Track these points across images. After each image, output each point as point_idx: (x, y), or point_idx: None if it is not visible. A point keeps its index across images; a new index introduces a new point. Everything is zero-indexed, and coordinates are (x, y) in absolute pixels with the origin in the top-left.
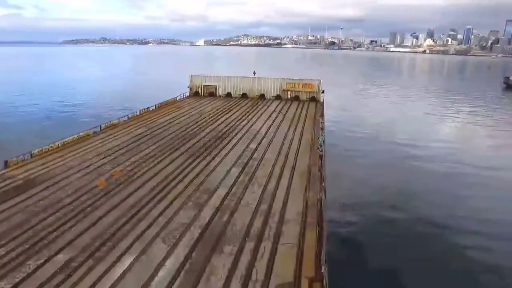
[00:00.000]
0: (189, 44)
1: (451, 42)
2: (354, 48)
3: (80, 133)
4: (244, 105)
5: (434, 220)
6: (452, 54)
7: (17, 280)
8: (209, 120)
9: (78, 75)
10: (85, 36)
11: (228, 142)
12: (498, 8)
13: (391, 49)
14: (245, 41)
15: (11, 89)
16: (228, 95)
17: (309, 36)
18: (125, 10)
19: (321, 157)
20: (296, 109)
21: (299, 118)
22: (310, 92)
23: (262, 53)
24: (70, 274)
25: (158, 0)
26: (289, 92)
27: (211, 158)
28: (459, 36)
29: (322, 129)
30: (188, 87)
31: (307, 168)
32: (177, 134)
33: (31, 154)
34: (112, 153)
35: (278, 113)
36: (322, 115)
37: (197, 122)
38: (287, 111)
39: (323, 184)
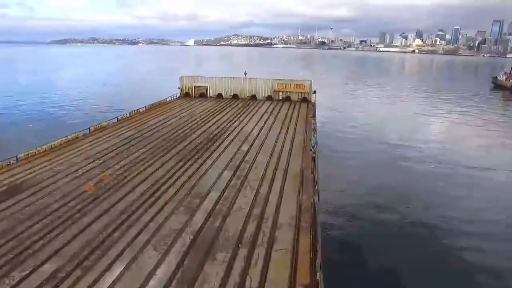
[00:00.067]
0: (179, 44)
1: (439, 42)
2: (344, 48)
3: (68, 136)
4: (235, 106)
5: (426, 221)
6: (441, 54)
7: None
8: (200, 122)
9: (66, 76)
10: (74, 36)
11: (219, 144)
12: (485, 9)
13: (381, 49)
14: (235, 41)
15: None
16: (219, 96)
17: (299, 36)
18: (114, 10)
19: (313, 159)
20: (288, 110)
21: (290, 119)
22: (301, 92)
23: (253, 53)
24: (57, 285)
25: None
26: (280, 93)
27: (203, 161)
28: (447, 36)
29: (314, 130)
30: (179, 88)
31: (299, 171)
32: (167, 136)
33: (17, 158)
34: (102, 157)
35: (270, 114)
36: (313, 116)
37: (188, 124)
38: (278, 112)
39: (316, 187)
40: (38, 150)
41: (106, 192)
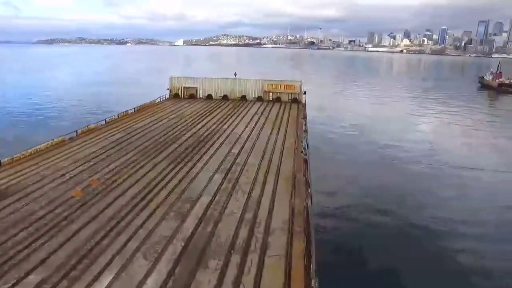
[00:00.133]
0: (168, 44)
1: (427, 42)
2: (333, 48)
3: (55, 139)
4: (225, 107)
5: (419, 223)
6: (428, 53)
7: None
8: (190, 124)
9: (53, 76)
10: (61, 35)
11: (210, 147)
12: (471, 9)
13: (370, 49)
14: (224, 41)
15: None
16: (209, 97)
17: (288, 36)
18: (102, 10)
19: (305, 161)
20: (278, 111)
21: (281, 121)
22: (291, 93)
23: (242, 53)
24: None
25: None
26: (270, 94)
27: (193, 164)
28: (435, 36)
29: (305, 131)
30: (168, 89)
31: (291, 173)
32: (157, 139)
33: (0, 163)
34: (90, 160)
35: (260, 115)
36: (304, 117)
37: (177, 126)
38: (269, 113)
39: (308, 190)
40: (23, 154)
41: (94, 197)
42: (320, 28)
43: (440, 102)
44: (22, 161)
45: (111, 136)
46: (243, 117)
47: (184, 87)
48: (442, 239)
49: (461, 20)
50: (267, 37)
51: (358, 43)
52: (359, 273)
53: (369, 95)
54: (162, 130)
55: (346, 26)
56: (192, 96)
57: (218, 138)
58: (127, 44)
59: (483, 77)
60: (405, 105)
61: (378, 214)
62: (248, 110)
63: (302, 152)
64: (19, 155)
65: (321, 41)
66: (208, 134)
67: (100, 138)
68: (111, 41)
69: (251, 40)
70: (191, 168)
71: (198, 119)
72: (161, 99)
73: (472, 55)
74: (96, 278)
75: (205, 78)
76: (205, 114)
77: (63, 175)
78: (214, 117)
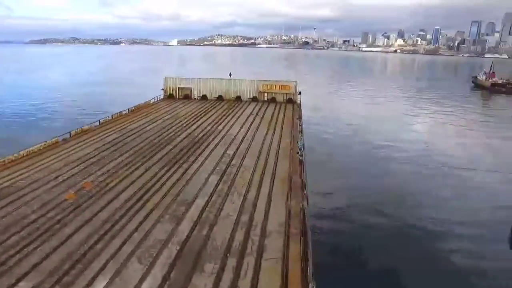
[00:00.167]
0: (162, 44)
1: (420, 42)
2: (328, 48)
3: (48, 141)
4: (220, 108)
5: (416, 223)
6: (422, 53)
7: None
8: (184, 124)
9: (45, 77)
10: (54, 35)
11: (205, 148)
12: (464, 10)
13: (364, 49)
14: (219, 41)
15: None
16: (204, 97)
17: (283, 36)
18: (96, 10)
19: (301, 162)
20: (274, 112)
21: (276, 121)
22: (286, 93)
23: (237, 53)
24: None
25: None
26: (265, 94)
27: (188, 165)
28: (428, 36)
29: (301, 132)
30: (162, 89)
31: (287, 175)
32: (152, 140)
33: None
34: (83, 162)
35: (255, 116)
36: (300, 118)
37: (172, 127)
38: (264, 114)
39: (304, 192)
40: (15, 156)
41: (88, 200)
42: (315, 28)
43: (434, 102)
44: (14, 163)
45: (105, 137)
46: (238, 117)
47: (178, 88)
48: (438, 240)
49: (455, 20)
50: (262, 37)
51: (352, 43)
52: (357, 276)
53: (364, 95)
54: (156, 131)
55: (341, 26)
56: (187, 97)
57: (213, 139)
58: (121, 44)
59: (477, 77)
60: (399, 105)
61: (374, 215)
62: (243, 111)
63: (297, 153)
64: (11, 157)
65: (315, 41)
66: (203, 135)
67: (94, 139)
68: (105, 41)
69: (245, 40)
70: (186, 170)
71: (193, 120)
72: (156, 100)
73: (465, 55)
74: (90, 284)
75: (199, 78)
76: (200, 115)
77: (56, 177)
78: (209, 118)
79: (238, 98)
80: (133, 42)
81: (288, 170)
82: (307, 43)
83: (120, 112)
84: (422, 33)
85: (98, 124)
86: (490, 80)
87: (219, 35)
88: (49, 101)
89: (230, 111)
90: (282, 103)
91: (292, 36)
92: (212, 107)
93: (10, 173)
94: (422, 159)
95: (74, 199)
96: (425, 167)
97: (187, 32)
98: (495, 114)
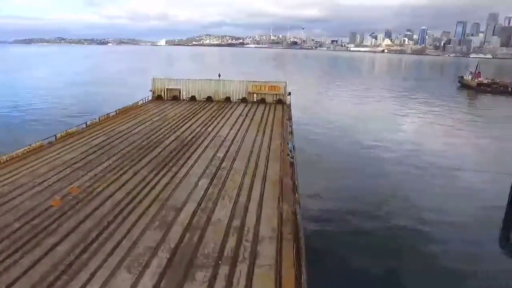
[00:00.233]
0: (150, 44)
1: (407, 42)
2: (316, 48)
3: (32, 144)
4: (210, 109)
5: (407, 225)
6: (409, 53)
7: None
8: (173, 126)
9: (30, 77)
10: (39, 35)
11: (194, 150)
12: (449, 10)
13: (352, 49)
14: (207, 41)
15: None
16: (192, 98)
17: (271, 36)
18: (82, 9)
19: (292, 164)
20: (263, 113)
21: (266, 122)
22: (276, 94)
23: (225, 53)
24: None
25: None
26: (255, 95)
27: (177, 168)
28: (415, 36)
29: (291, 133)
30: (150, 90)
31: (278, 178)
32: (140, 143)
33: None
34: (69, 167)
35: (245, 117)
36: (289, 119)
37: (161, 129)
38: (254, 115)
39: (296, 195)
40: None
41: (74, 206)
42: (303, 28)
43: (422, 102)
44: None
45: (92, 140)
46: (228, 119)
47: (167, 89)
48: (430, 242)
49: (441, 21)
50: (250, 37)
51: (340, 43)
52: (351, 281)
53: (352, 95)
54: (145, 133)
55: (329, 26)
56: (176, 98)
57: (202, 141)
58: (108, 44)
59: (463, 77)
60: (387, 105)
61: (366, 217)
62: (233, 112)
63: (288, 155)
64: None
65: (303, 41)
66: (193, 137)
67: (80, 142)
68: (91, 41)
69: (234, 40)
70: (175, 174)
71: (182, 122)
72: (144, 101)
73: (451, 55)
74: None
75: (188, 79)
76: (189, 116)
77: (41, 183)
78: (198, 119)
79: (228, 99)
80: (121, 42)
81: (279, 173)
82: (295, 43)
83: (107, 114)
84: (409, 33)
85: (84, 126)
86: (476, 80)
87: (207, 35)
88: (33, 103)
89: (220, 112)
90: (272, 104)
91: (280, 36)
92: (201, 109)
93: None
94: (411, 159)
95: (60, 205)
96: (414, 167)
97: (175, 32)
98: (482, 114)
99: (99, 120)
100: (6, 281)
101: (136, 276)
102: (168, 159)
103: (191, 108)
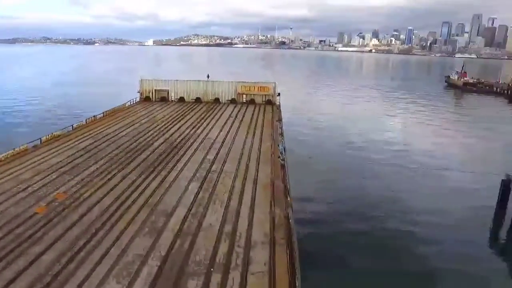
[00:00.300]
0: (137, 44)
1: (394, 42)
2: (304, 47)
3: (16, 148)
4: (199, 110)
5: (399, 227)
6: (396, 53)
7: None
8: (162, 129)
9: (13, 78)
10: (24, 35)
11: (184, 153)
12: (435, 11)
13: (340, 49)
14: (195, 41)
15: None
16: (181, 99)
17: (259, 36)
18: (68, 8)
19: (283, 166)
20: (253, 114)
21: (256, 124)
22: (265, 95)
23: (214, 53)
24: None
25: None
26: (244, 96)
27: (167, 172)
28: (402, 36)
29: (281, 134)
30: (138, 91)
31: (270, 180)
32: (128, 146)
33: None
34: (55, 171)
35: (235, 119)
36: (279, 120)
37: (149, 131)
38: (243, 116)
39: (288, 198)
40: None
41: (60, 213)
42: (291, 28)
43: (410, 102)
44: None
45: (78, 143)
46: (217, 120)
47: (155, 90)
48: (424, 243)
49: (427, 21)
50: (239, 37)
51: (328, 43)
52: (347, 285)
53: (342, 95)
54: (133, 136)
55: (317, 26)
56: (164, 99)
57: (192, 143)
58: (95, 44)
59: (449, 77)
60: (376, 105)
61: (359, 219)
62: (222, 113)
63: (279, 157)
64: None
65: (292, 41)
66: (182, 139)
67: (66, 146)
68: (78, 41)
69: (222, 40)
70: (165, 177)
71: (171, 124)
72: (131, 103)
73: (437, 55)
74: None
75: (176, 80)
76: (178, 118)
77: (25, 188)
78: (187, 121)
79: (217, 100)
80: (108, 42)
81: (270, 175)
82: (283, 43)
83: (94, 116)
84: (396, 33)
85: (71, 129)
86: (462, 79)
87: (195, 35)
88: (17, 104)
89: (209, 113)
90: (261, 105)
91: (268, 36)
92: (190, 110)
93: None
94: (401, 160)
95: (45, 212)
96: (404, 168)
97: (163, 32)
98: (468, 113)
99: (86, 122)
100: None
101: (125, 286)
102: (157, 163)
103: (179, 110)
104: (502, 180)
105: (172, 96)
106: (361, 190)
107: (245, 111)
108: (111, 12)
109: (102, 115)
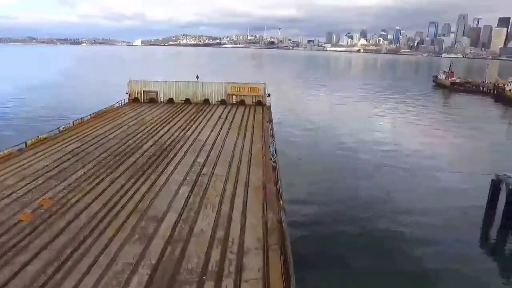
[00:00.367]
0: (125, 44)
1: (382, 41)
2: (293, 47)
3: (0, 152)
4: (188, 111)
5: (391, 229)
6: (384, 53)
7: None
8: (151, 131)
9: None
10: (8, 34)
11: (174, 156)
12: (421, 11)
13: (328, 49)
14: (184, 41)
15: None
16: (170, 100)
17: (248, 36)
18: (55, 8)
19: (274, 168)
20: (243, 115)
21: (246, 125)
22: (255, 96)
23: (202, 52)
24: None
25: None
26: (234, 97)
27: (157, 176)
28: (390, 36)
29: (272, 136)
30: (127, 93)
31: (261, 183)
32: (117, 149)
33: None
34: (41, 176)
35: (225, 120)
36: (270, 121)
37: (138, 134)
38: (233, 117)
39: (281, 202)
40: None
41: (46, 220)
42: (280, 28)
43: (400, 102)
44: None
45: (65, 146)
46: (207, 121)
47: (144, 91)
48: (416, 243)
49: (414, 21)
50: (227, 37)
51: (317, 43)
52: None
53: (331, 95)
54: (121, 138)
55: (305, 26)
56: (153, 100)
57: (182, 146)
58: (82, 44)
59: (437, 76)
60: (366, 105)
61: (351, 220)
62: (212, 115)
63: (270, 159)
64: None
65: (280, 41)
66: (172, 141)
67: (53, 149)
68: (64, 41)
69: (211, 40)
70: (154, 181)
71: (160, 125)
72: (120, 104)
73: (424, 55)
74: None
75: (165, 81)
76: (167, 120)
77: (9, 194)
78: (176, 122)
79: (206, 101)
80: (95, 42)
81: (262, 178)
82: (272, 42)
83: (81, 118)
84: (383, 33)
85: (57, 132)
86: (449, 79)
87: (184, 35)
88: (1, 106)
89: (198, 115)
90: (251, 106)
91: (257, 36)
92: (179, 111)
93: None
94: (391, 160)
95: (31, 219)
96: (394, 168)
97: (151, 32)
98: (456, 113)
99: (73, 124)
100: None
101: None
102: (147, 166)
103: (169, 111)
104: (492, 180)
105: (161, 97)
106: (351, 191)
107: (235, 112)
108: (98, 12)
109: (89, 117)
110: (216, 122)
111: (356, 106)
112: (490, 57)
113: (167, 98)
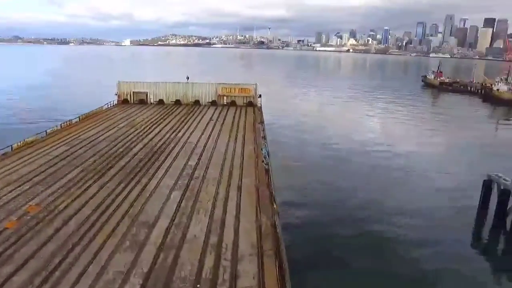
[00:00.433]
0: (114, 44)
1: (371, 41)
2: (283, 47)
3: None
4: (178, 113)
5: (389, 230)
6: (373, 53)
7: None
8: (141, 133)
9: None
10: None
11: (165, 159)
12: (409, 11)
13: (318, 48)
14: (173, 41)
15: None
16: (160, 102)
17: (238, 36)
18: (42, 7)
19: (267, 171)
20: (234, 116)
21: (238, 126)
22: (246, 97)
23: (192, 53)
24: None
25: None
26: (225, 97)
27: (147, 180)
28: (378, 36)
29: (264, 137)
30: (116, 94)
31: (254, 187)
32: (106, 152)
33: None
34: (27, 181)
35: (216, 121)
36: (261, 122)
37: (128, 136)
38: (224, 119)
39: (274, 205)
40: None
41: (33, 228)
42: (269, 28)
43: (389, 101)
44: None
45: (52, 150)
46: (198, 123)
47: (133, 92)
48: (410, 245)
49: (402, 21)
50: (217, 37)
51: (306, 43)
52: None
53: (322, 95)
54: (111, 141)
55: (295, 26)
56: (143, 102)
57: (173, 148)
58: (70, 44)
59: (426, 76)
60: (356, 105)
61: (346, 223)
62: (203, 116)
63: (263, 161)
64: None
65: (270, 41)
66: (162, 144)
67: (40, 153)
68: (52, 41)
69: (200, 40)
70: (145, 185)
71: (150, 127)
72: (109, 106)
73: (412, 54)
74: None
75: (155, 82)
76: (158, 121)
77: None
78: (167, 124)
79: (197, 102)
80: (83, 41)
81: (254, 181)
82: (262, 42)
83: (69, 121)
84: (372, 33)
85: (44, 135)
86: (438, 79)
87: (173, 35)
88: None
89: (189, 116)
90: (243, 107)
91: (247, 36)
92: (170, 113)
93: None
94: (383, 161)
95: (16, 227)
96: (386, 169)
97: (140, 32)
98: (446, 112)
99: (61, 127)
100: None
101: None
102: (137, 169)
103: (159, 112)
104: (484, 180)
105: (151, 99)
106: (342, 193)
107: (226, 114)
108: (86, 12)
109: (78, 119)
110: (207, 124)
111: (346, 106)
112: (477, 57)
113: (157, 99)
